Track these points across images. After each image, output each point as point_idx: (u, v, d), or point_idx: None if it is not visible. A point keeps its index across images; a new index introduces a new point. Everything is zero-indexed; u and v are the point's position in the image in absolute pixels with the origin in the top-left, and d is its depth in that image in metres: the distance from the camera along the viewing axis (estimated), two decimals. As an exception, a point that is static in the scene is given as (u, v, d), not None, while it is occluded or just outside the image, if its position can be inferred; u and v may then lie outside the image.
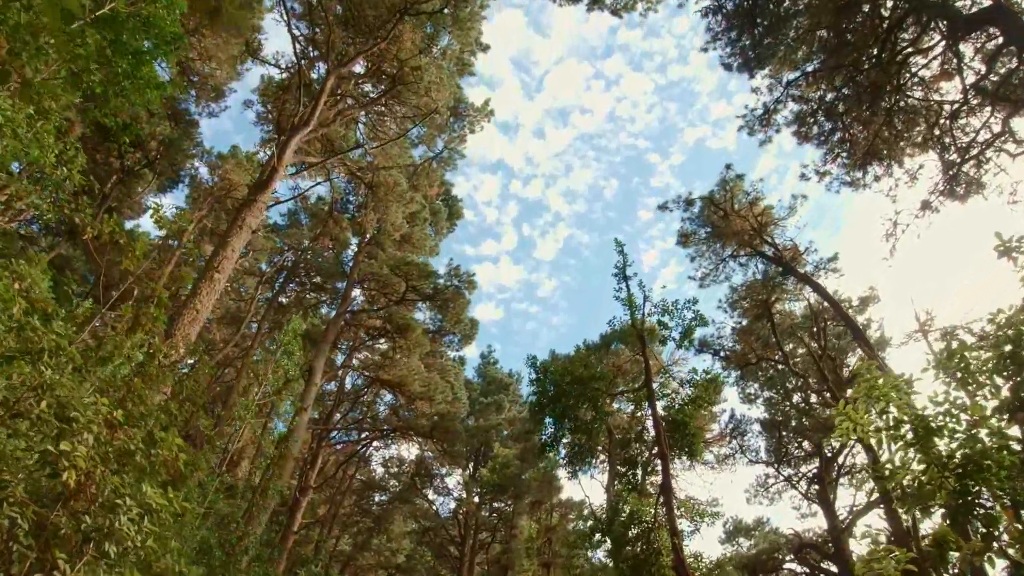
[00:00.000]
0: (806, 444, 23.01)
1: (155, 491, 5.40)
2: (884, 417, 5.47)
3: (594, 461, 29.99)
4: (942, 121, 15.37)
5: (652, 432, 15.41)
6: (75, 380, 5.90)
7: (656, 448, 13.74)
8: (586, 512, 30.29)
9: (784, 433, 22.95)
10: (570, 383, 14.65)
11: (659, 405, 14.12)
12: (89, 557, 4.93)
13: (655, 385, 14.59)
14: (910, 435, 5.39)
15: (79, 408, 5.22)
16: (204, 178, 28.03)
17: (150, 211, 7.73)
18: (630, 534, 13.66)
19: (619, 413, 27.72)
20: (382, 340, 28.56)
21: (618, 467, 17.05)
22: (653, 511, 13.70)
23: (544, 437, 15.93)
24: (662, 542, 13.14)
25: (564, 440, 15.89)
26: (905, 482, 5.37)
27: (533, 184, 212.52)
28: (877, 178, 15.95)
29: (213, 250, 14.25)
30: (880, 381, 5.53)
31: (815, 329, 20.03)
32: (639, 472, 14.79)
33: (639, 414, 17.64)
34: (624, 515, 13.98)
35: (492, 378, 39.00)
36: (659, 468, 13.45)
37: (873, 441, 5.52)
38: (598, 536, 16.02)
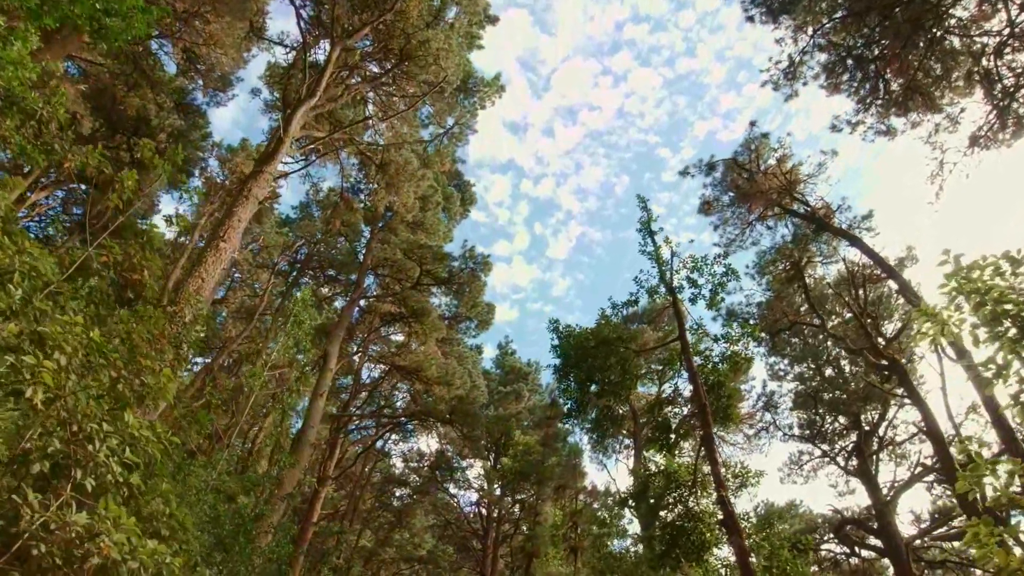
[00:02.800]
0: (842, 418, 21.90)
1: (138, 420, 4.78)
2: (980, 312, 4.64)
3: (619, 446, 29.02)
4: (985, 60, 14.35)
5: (686, 392, 14.60)
6: (55, 308, 5.28)
7: (691, 405, 12.89)
8: (611, 500, 29.38)
9: (819, 408, 21.87)
10: (596, 346, 13.84)
11: (694, 363, 13.23)
12: (67, 496, 4.27)
13: (689, 339, 13.64)
14: (1013, 331, 4.58)
15: (49, 327, 4.60)
16: (214, 171, 27.91)
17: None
18: (668, 499, 12.75)
19: (644, 396, 26.76)
20: (397, 326, 28.02)
21: (648, 436, 16.10)
22: (692, 470, 12.77)
23: (568, 404, 15.11)
24: (702, 507, 12.25)
25: (589, 407, 15.02)
26: (1010, 386, 4.57)
27: (544, 183, 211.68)
28: (915, 124, 14.96)
29: (219, 220, 13.77)
30: (976, 274, 4.70)
31: (852, 291, 18.94)
32: (672, 437, 13.90)
33: (670, 373, 16.64)
34: (658, 481, 13.07)
35: (510, 367, 38.19)
36: (695, 433, 12.61)
37: (969, 341, 4.68)
38: (628, 514, 15.19)
